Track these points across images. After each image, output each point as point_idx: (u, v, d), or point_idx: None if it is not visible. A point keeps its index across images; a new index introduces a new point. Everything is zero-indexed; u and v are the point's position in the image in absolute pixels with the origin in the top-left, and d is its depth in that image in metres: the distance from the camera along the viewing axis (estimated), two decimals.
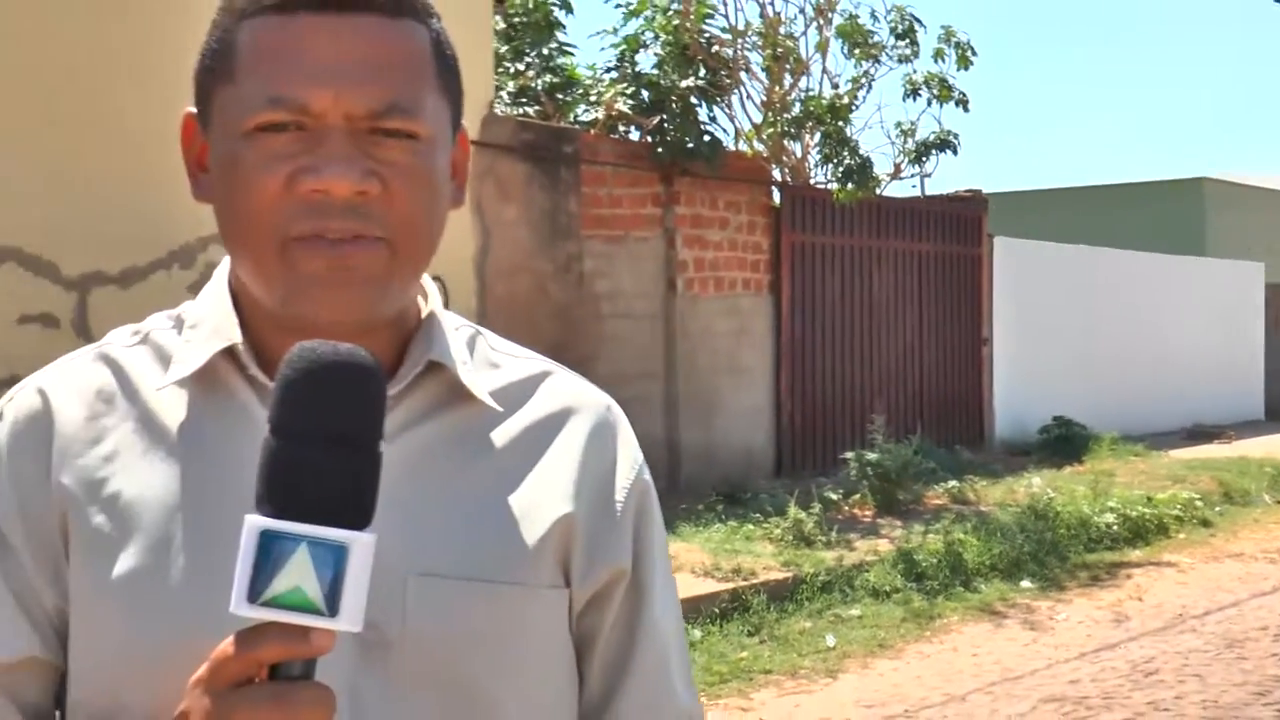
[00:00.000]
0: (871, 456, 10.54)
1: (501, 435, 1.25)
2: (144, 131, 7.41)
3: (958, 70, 12.61)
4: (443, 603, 1.17)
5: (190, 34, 1.31)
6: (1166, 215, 25.23)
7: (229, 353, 1.21)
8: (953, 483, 11.14)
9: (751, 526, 9.38)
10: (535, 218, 10.03)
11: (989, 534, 9.42)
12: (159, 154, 7.57)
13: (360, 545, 0.96)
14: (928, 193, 13.81)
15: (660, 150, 10.97)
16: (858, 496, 10.43)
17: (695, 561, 8.19)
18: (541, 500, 1.23)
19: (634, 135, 11.45)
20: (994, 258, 15.00)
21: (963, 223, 14.60)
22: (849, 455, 10.74)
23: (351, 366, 1.00)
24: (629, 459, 1.30)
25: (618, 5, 12.19)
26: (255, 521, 0.96)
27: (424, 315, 1.27)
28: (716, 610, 7.53)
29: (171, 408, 1.22)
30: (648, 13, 12.02)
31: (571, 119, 12.13)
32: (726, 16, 12.30)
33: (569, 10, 12.93)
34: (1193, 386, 18.46)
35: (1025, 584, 8.81)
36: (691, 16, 11.86)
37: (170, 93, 6.42)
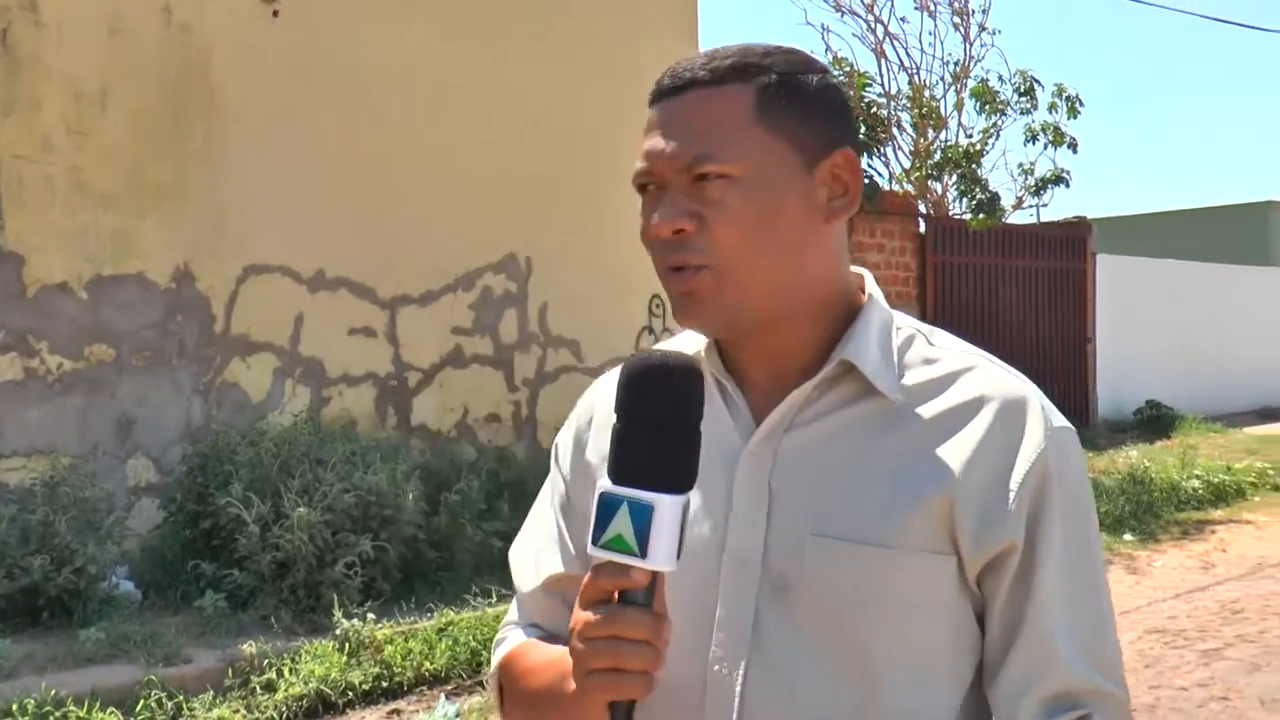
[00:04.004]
0: None
1: (907, 423, 1.16)
2: (430, 194, 7.70)
3: (1068, 119, 12.25)
4: (830, 558, 1.14)
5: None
6: (1238, 233, 24.11)
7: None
8: None
9: None
10: None
11: (1096, 495, 9.21)
12: (447, 208, 7.86)
13: (663, 505, 0.97)
14: (1043, 219, 13.53)
15: None
16: None
17: None
18: (928, 479, 1.14)
19: None
20: (1096, 272, 14.61)
21: (1071, 244, 14.23)
22: None
23: (662, 370, 1.03)
24: (1033, 444, 1.15)
25: None
26: (599, 484, 1.01)
27: (858, 317, 1.21)
28: None
29: None
30: None
31: None
32: (882, 84, 12.25)
33: None
34: (1262, 375, 17.65)
35: (1127, 537, 8.60)
36: (853, 85, 11.84)
37: (484, 147, 6.33)
